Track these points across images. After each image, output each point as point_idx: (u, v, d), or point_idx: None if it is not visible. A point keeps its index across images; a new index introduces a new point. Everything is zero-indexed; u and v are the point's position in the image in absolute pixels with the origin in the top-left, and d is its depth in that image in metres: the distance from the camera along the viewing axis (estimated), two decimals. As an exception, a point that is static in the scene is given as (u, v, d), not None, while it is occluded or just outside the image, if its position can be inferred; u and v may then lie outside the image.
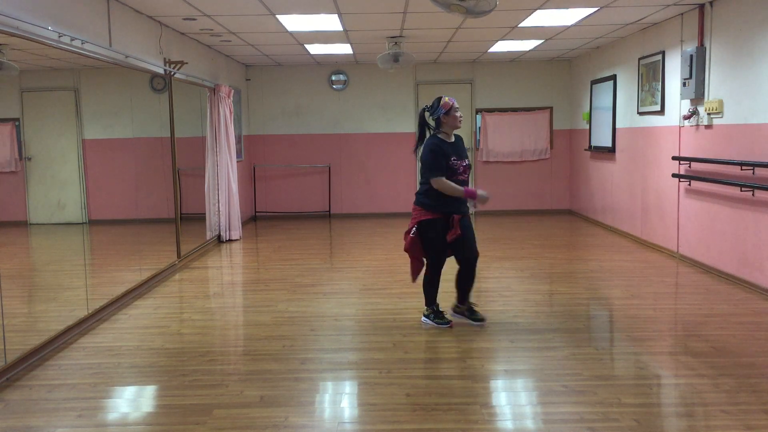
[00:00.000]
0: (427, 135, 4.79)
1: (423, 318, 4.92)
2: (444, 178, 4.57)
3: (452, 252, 4.77)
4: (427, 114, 4.74)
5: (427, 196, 4.65)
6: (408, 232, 4.73)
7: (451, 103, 4.64)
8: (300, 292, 5.96)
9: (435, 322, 4.82)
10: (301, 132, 11.11)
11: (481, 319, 4.85)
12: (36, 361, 4.19)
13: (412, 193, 10.98)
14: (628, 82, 8.45)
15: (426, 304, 4.90)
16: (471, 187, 4.71)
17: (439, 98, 4.68)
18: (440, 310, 4.90)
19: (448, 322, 4.82)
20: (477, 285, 6.25)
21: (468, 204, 4.74)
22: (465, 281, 4.84)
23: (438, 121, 4.67)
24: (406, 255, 4.86)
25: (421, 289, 4.90)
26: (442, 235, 4.63)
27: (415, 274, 4.84)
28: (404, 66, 8.31)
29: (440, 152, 4.57)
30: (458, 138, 4.83)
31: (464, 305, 4.92)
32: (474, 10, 4.48)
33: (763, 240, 5.59)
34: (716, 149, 6.28)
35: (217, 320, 5.19)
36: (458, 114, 4.67)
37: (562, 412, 3.35)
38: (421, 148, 4.74)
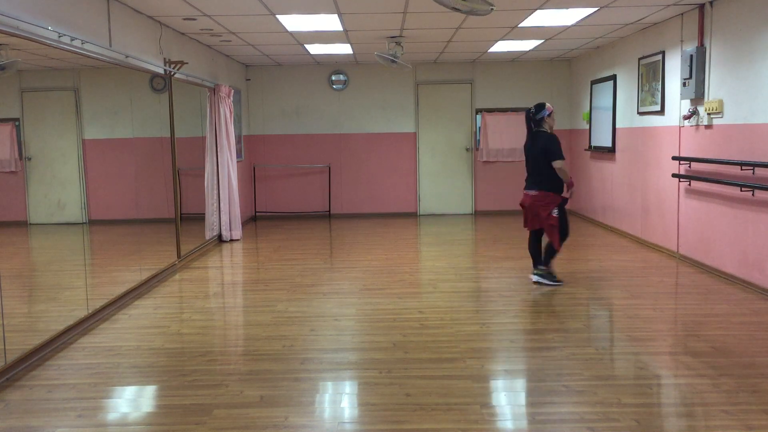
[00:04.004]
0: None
1: (538, 277, 6.00)
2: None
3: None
4: (531, 114, 5.89)
5: (555, 183, 5.78)
6: (545, 216, 5.80)
7: (552, 108, 5.89)
8: (300, 292, 5.96)
9: (551, 281, 5.98)
10: (301, 132, 11.11)
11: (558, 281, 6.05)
12: (36, 361, 4.19)
13: (412, 193, 11.22)
14: (628, 82, 8.45)
15: (544, 265, 6.02)
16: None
17: (543, 104, 5.89)
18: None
19: (561, 281, 6.03)
20: (478, 285, 6.29)
21: (566, 191, 5.86)
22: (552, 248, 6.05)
23: (542, 120, 5.86)
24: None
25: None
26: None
27: (558, 243, 5.89)
28: (400, 69, 8.31)
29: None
30: None
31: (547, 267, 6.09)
32: (471, 12, 4.56)
33: (763, 240, 5.59)
34: (716, 149, 6.28)
35: (217, 320, 5.20)
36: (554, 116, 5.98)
37: (562, 412, 3.35)
38: (536, 141, 5.84)
